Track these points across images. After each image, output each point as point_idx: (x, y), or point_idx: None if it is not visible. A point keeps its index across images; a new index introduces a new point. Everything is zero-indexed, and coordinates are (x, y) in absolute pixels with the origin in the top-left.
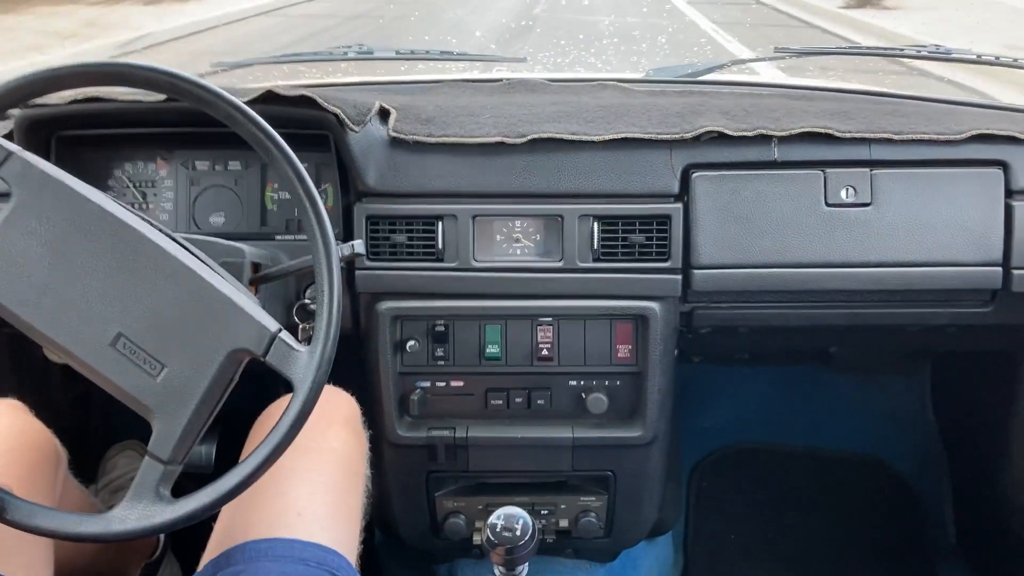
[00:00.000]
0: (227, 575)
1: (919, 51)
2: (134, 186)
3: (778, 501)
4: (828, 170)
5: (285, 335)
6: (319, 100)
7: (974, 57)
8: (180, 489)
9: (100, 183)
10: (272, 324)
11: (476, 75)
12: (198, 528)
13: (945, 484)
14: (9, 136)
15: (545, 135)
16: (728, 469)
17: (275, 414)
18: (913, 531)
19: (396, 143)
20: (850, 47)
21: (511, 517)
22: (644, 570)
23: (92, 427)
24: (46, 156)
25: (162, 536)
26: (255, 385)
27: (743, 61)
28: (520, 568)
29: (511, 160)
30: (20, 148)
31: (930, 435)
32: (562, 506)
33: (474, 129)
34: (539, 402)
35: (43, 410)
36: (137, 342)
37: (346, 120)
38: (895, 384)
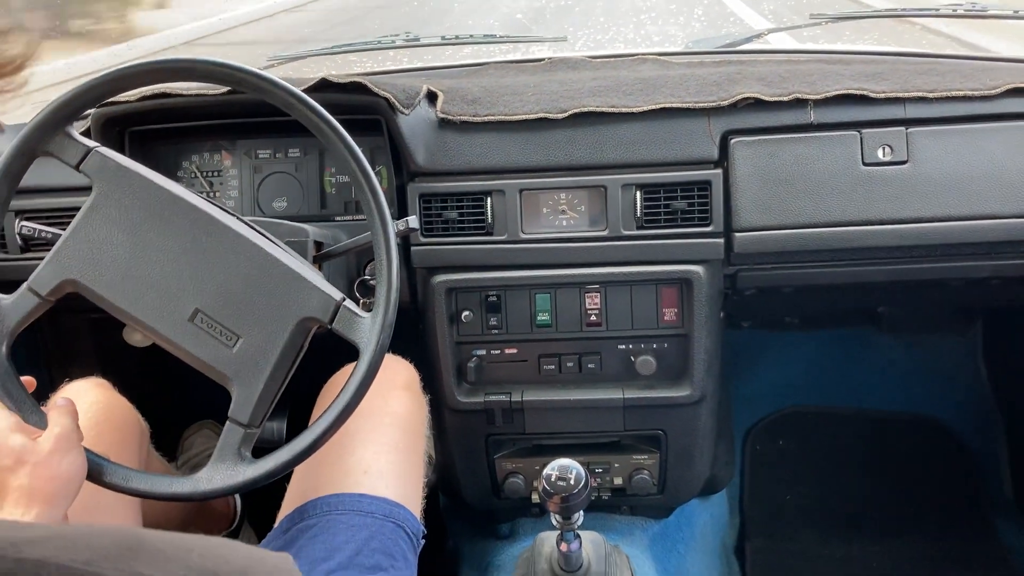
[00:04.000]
0: (301, 528)
1: (955, 9)
2: (202, 175)
3: (832, 462)
4: (864, 130)
5: (349, 303)
6: (370, 86)
7: (1011, 13)
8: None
9: (170, 174)
10: (336, 293)
11: (519, 56)
12: (272, 499)
13: (1000, 441)
14: (86, 134)
15: (585, 109)
16: (782, 432)
17: (341, 380)
18: (969, 488)
19: (444, 124)
20: (886, 10)
21: (565, 468)
22: (699, 527)
23: (170, 407)
24: (120, 151)
25: (240, 507)
26: (318, 364)
27: (780, 29)
28: (576, 516)
29: (554, 135)
30: (98, 144)
31: (983, 393)
32: (616, 464)
33: (518, 107)
34: (590, 366)
35: (124, 390)
36: (213, 316)
37: (396, 104)
38: (946, 343)
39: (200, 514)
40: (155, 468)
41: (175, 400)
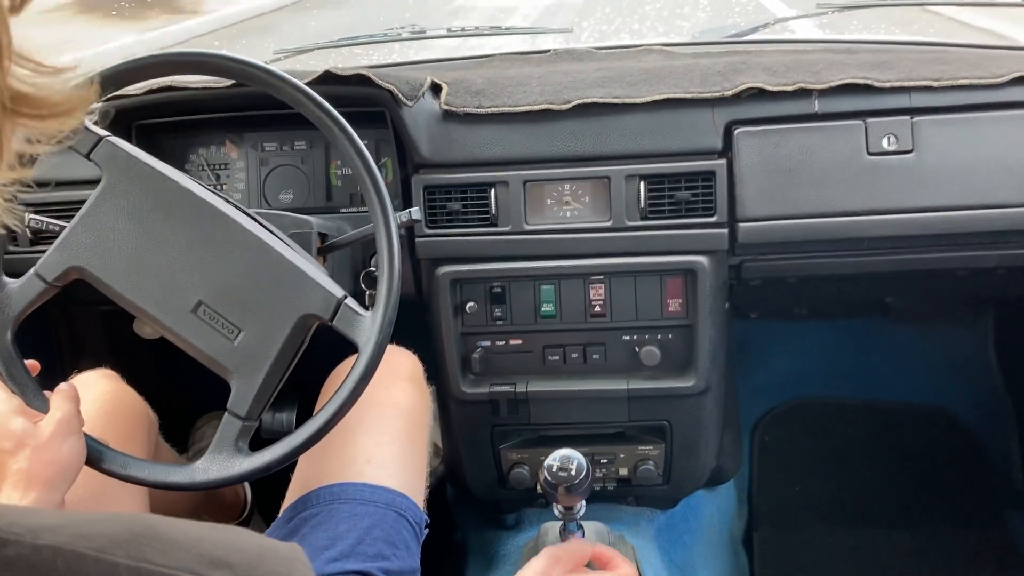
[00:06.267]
0: (304, 518)
1: None
2: (209, 168)
3: (841, 454)
4: (869, 120)
5: (350, 301)
6: (374, 78)
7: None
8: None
9: (178, 167)
10: (338, 291)
11: (525, 47)
12: (282, 488)
13: (1011, 432)
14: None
15: (589, 100)
16: (790, 423)
17: (343, 373)
18: (979, 480)
19: (448, 116)
20: None
21: (566, 459)
22: (706, 518)
23: (182, 398)
24: None
25: (249, 497)
26: (329, 354)
27: (787, 19)
28: (578, 506)
29: (558, 126)
30: (109, 133)
31: (994, 384)
32: (621, 455)
33: (522, 98)
34: (594, 357)
35: (135, 382)
36: (216, 308)
37: (400, 96)
38: (956, 334)
39: (210, 503)
40: (164, 458)
41: (187, 391)
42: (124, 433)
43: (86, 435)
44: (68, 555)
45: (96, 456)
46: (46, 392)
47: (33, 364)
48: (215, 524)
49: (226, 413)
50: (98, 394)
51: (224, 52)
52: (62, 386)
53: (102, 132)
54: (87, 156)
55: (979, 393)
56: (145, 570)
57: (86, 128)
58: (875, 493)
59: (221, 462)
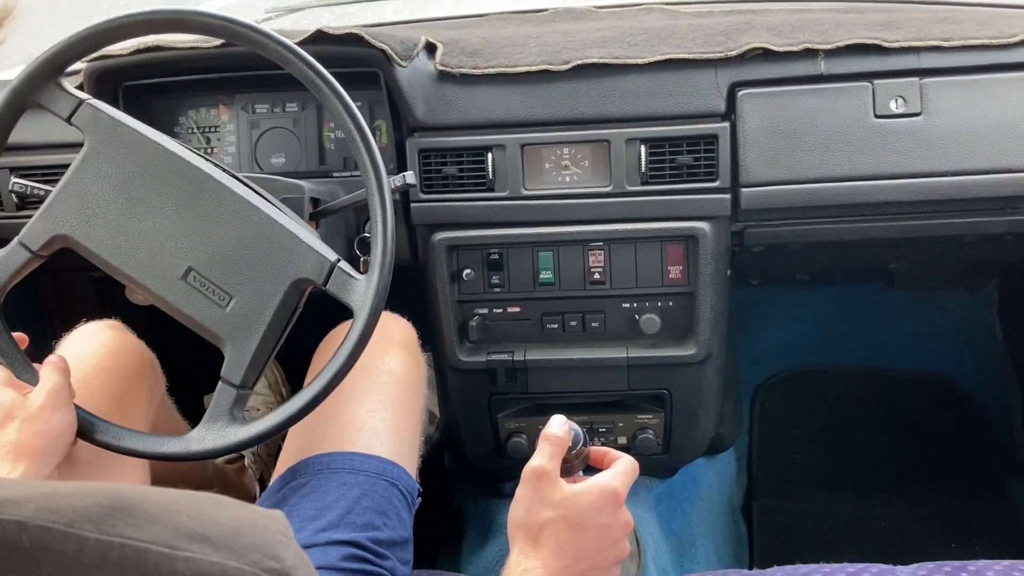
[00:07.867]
0: (293, 487)
1: None
2: (199, 131)
3: (842, 421)
4: (876, 81)
5: (343, 264)
6: (367, 37)
7: None
8: None
9: (167, 130)
10: (331, 254)
11: (522, 5)
12: None
13: (1014, 400)
14: (79, 89)
15: (589, 60)
16: (792, 391)
17: (336, 339)
18: (981, 448)
19: (443, 76)
20: None
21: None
22: (705, 486)
23: (181, 366)
24: (115, 106)
25: (259, 493)
26: (325, 319)
27: None
28: (574, 475)
29: (557, 87)
30: (90, 96)
31: (997, 351)
32: (620, 424)
33: (519, 59)
34: (593, 324)
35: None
36: (206, 275)
37: (393, 56)
38: (960, 301)
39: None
40: (166, 420)
41: (185, 359)
42: (124, 390)
43: (77, 407)
44: (33, 529)
45: (87, 427)
46: (35, 364)
47: (21, 336)
48: (194, 494)
49: (220, 382)
50: (97, 346)
51: (208, 10)
52: (51, 358)
53: (82, 95)
54: (68, 120)
55: (982, 361)
56: (116, 544)
57: (66, 91)
58: (876, 461)
59: (216, 431)
